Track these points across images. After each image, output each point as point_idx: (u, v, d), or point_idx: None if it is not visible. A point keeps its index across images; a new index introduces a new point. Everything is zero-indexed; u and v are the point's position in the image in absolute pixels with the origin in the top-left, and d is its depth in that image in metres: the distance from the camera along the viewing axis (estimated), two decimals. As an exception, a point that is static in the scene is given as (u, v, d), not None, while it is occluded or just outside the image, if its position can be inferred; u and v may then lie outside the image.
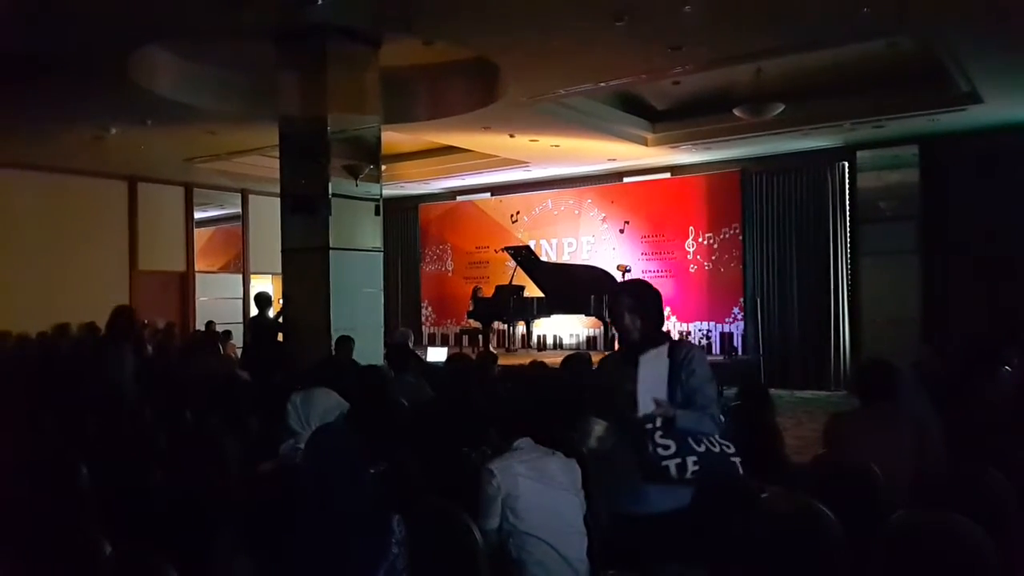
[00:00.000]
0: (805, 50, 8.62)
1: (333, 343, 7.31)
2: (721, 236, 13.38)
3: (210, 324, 12.39)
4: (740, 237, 13.20)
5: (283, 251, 7.99)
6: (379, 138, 8.15)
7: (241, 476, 3.93)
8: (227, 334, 12.02)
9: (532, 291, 13.77)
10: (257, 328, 9.65)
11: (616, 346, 3.37)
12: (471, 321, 14.23)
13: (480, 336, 13.99)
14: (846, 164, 12.39)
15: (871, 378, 4.01)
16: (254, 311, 10.31)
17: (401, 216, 16.75)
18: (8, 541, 2.58)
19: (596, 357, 8.44)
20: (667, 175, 14.07)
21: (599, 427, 2.89)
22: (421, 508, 2.96)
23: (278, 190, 8.06)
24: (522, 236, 15.31)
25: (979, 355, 6.44)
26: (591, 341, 14.46)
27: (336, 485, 2.52)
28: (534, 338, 14.68)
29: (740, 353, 12.92)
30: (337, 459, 2.57)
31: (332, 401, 4.57)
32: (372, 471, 2.90)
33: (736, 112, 9.83)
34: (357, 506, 2.54)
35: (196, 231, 15.53)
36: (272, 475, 3.44)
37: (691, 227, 13.66)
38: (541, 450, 3.16)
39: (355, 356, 7.04)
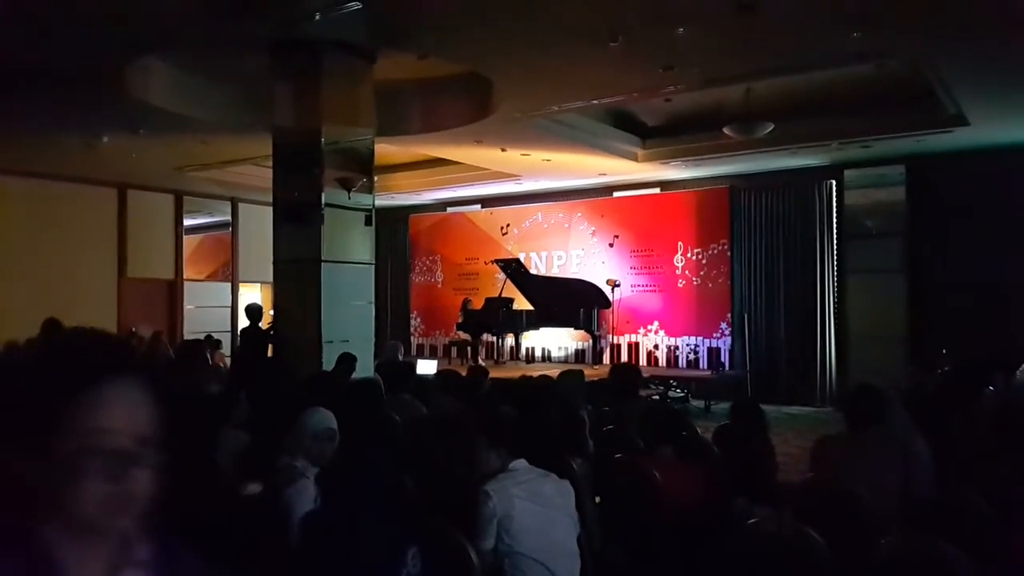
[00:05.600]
0: (795, 72, 8.72)
1: (324, 356, 7.31)
2: (709, 251, 13.47)
3: (199, 342, 12.27)
4: (728, 253, 13.29)
5: (275, 263, 8.00)
6: (372, 150, 8.21)
7: (229, 493, 3.90)
8: (217, 343, 11.97)
9: (521, 303, 13.82)
10: (247, 340, 9.61)
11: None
12: (460, 333, 14.26)
13: (469, 348, 14.01)
14: (833, 182, 12.52)
15: (859, 402, 4.06)
16: (244, 322, 10.27)
17: (391, 226, 16.75)
18: None
19: (588, 372, 8.47)
20: (657, 190, 14.16)
21: None
22: (417, 528, 2.98)
23: (269, 199, 8.08)
24: (512, 248, 15.36)
25: (964, 375, 6.52)
26: (580, 354, 14.52)
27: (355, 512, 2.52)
28: (523, 350, 14.71)
29: (727, 368, 13.01)
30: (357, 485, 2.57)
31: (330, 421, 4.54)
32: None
33: (726, 131, 9.92)
34: (373, 531, 2.54)
35: (184, 238, 15.48)
36: (261, 497, 3.39)
37: (680, 242, 13.74)
38: (536, 472, 3.21)
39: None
